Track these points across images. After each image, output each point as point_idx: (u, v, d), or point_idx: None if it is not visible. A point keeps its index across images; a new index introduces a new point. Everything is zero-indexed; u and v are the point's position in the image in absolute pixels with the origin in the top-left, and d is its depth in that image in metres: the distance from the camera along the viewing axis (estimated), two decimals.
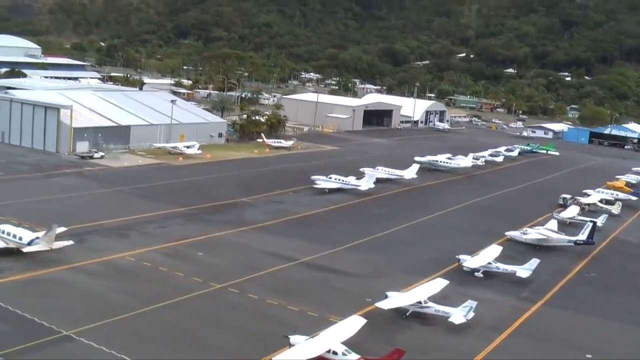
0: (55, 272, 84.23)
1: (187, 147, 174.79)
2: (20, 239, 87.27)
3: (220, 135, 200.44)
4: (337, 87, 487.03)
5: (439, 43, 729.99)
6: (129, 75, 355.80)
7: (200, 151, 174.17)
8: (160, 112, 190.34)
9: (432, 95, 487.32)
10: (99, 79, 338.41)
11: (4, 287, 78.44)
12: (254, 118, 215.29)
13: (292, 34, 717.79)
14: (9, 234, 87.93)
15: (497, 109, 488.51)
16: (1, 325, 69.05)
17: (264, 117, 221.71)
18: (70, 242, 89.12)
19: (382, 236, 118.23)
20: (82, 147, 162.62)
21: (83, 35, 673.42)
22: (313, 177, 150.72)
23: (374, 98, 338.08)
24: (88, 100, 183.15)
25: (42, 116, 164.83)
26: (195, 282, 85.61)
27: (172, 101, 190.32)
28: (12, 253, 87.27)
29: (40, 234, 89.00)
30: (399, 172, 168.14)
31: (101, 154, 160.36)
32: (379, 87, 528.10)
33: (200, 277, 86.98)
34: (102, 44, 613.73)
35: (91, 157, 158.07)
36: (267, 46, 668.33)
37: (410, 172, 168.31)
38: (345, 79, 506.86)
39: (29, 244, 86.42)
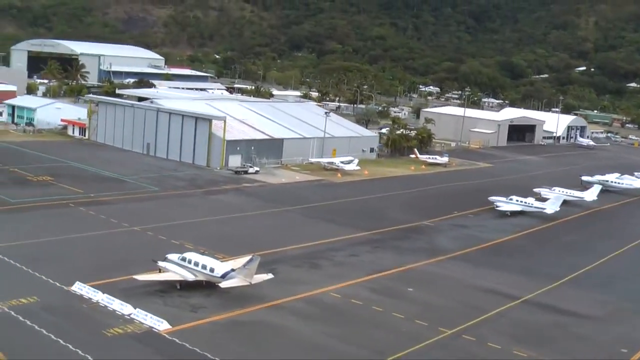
0: (256, 312, 70.97)
1: (344, 162, 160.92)
2: (212, 270, 73.88)
3: (371, 150, 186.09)
4: (459, 101, 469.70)
5: (557, 56, 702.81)
6: (259, 87, 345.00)
7: (358, 167, 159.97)
8: (310, 125, 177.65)
9: (557, 110, 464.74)
10: (224, 90, 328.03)
11: (202, 330, 65.66)
12: (403, 132, 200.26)
13: (407, 47, 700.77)
14: (196, 264, 74.72)
15: (627, 125, 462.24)
16: None
17: (413, 132, 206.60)
18: (270, 276, 75.13)
19: (593, 269, 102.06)
20: (235, 161, 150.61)
21: (197, 47, 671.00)
22: (491, 199, 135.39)
23: (515, 112, 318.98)
24: (236, 111, 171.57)
25: (192, 127, 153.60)
26: (421, 326, 71.40)
27: (326, 113, 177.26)
28: (201, 287, 74.41)
29: (233, 263, 75.98)
30: (578, 194, 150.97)
31: (256, 168, 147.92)
32: (500, 101, 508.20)
33: (424, 320, 72.75)
34: (217, 57, 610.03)
35: (245, 172, 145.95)
36: (382, 59, 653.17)
37: (591, 194, 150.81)
38: (472, 92, 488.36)
39: (224, 277, 72.97)
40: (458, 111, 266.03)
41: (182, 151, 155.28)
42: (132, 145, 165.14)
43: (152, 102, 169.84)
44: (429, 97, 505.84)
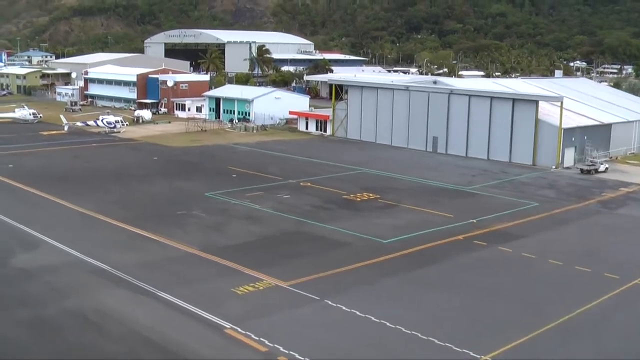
0: None
1: None
2: None
3: None
4: (616, 74, 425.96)
5: None
6: (439, 66, 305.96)
7: None
8: (612, 104, 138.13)
9: None
10: (384, 72, 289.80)
11: None
12: None
13: (530, 23, 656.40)
14: None
15: None
16: None
17: None
18: None
19: None
20: (569, 156, 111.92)
21: (309, 35, 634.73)
22: None
23: None
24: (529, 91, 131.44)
25: (507, 113, 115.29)
26: None
27: None
28: None
29: None
30: None
31: (605, 166, 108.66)
32: None
33: None
34: (332, 43, 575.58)
35: (596, 171, 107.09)
36: (507, 36, 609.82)
37: None
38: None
39: None
40: None
41: (491, 145, 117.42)
42: (407, 140, 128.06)
43: (435, 82, 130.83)
44: (577, 73, 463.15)
